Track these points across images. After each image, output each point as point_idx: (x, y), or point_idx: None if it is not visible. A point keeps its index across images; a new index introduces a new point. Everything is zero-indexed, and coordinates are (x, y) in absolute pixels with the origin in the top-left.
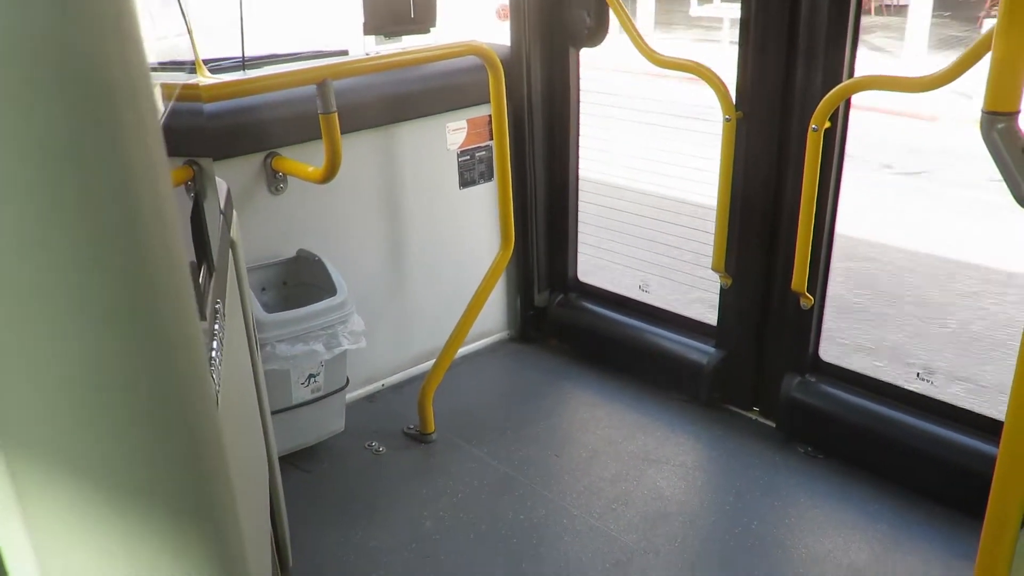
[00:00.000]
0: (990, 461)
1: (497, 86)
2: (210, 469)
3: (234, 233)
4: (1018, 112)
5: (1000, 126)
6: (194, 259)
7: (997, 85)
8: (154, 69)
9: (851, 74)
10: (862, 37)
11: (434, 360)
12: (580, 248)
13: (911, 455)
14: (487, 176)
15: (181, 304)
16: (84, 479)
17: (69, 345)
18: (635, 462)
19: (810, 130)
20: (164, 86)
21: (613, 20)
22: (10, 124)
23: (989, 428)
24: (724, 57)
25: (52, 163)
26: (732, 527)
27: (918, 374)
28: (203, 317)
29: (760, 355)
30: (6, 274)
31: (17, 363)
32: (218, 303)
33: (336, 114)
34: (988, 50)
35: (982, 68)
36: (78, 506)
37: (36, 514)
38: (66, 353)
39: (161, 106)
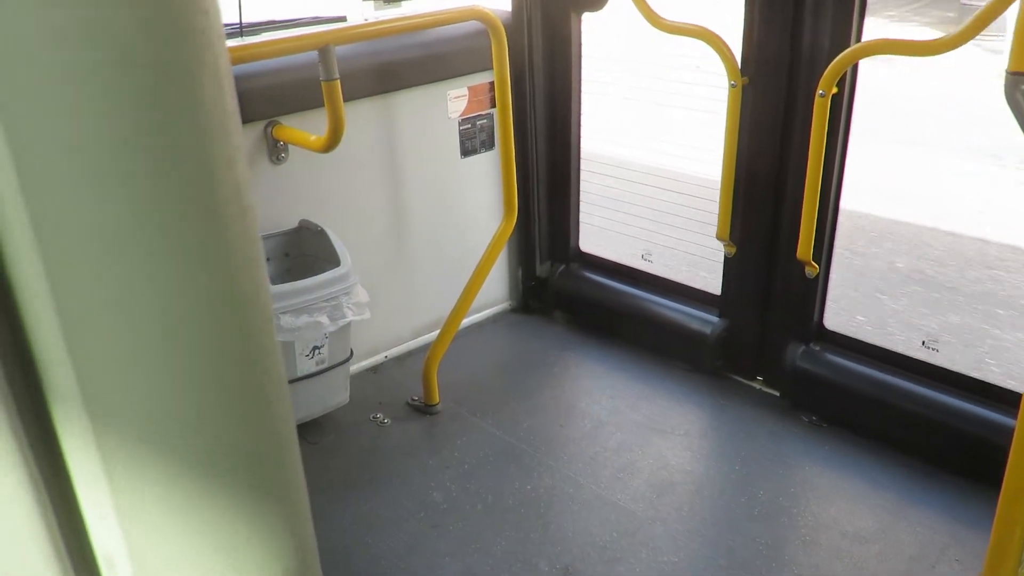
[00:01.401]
0: (995, 428)
1: (500, 51)
2: (285, 439)
3: None
4: None
5: None
6: None
7: (1022, 45)
8: None
9: (859, 38)
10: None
11: (437, 331)
12: (582, 218)
13: (916, 423)
14: (488, 145)
15: (255, 272)
16: (168, 452)
17: (153, 317)
18: (640, 431)
19: (817, 96)
20: None
21: None
22: (98, 92)
23: (995, 396)
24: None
25: (135, 131)
26: (738, 496)
27: (923, 342)
28: None
29: (764, 324)
30: (91, 256)
31: (106, 340)
32: None
33: (339, 81)
34: (1002, 9)
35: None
36: (163, 479)
37: (122, 488)
38: (149, 326)
39: None
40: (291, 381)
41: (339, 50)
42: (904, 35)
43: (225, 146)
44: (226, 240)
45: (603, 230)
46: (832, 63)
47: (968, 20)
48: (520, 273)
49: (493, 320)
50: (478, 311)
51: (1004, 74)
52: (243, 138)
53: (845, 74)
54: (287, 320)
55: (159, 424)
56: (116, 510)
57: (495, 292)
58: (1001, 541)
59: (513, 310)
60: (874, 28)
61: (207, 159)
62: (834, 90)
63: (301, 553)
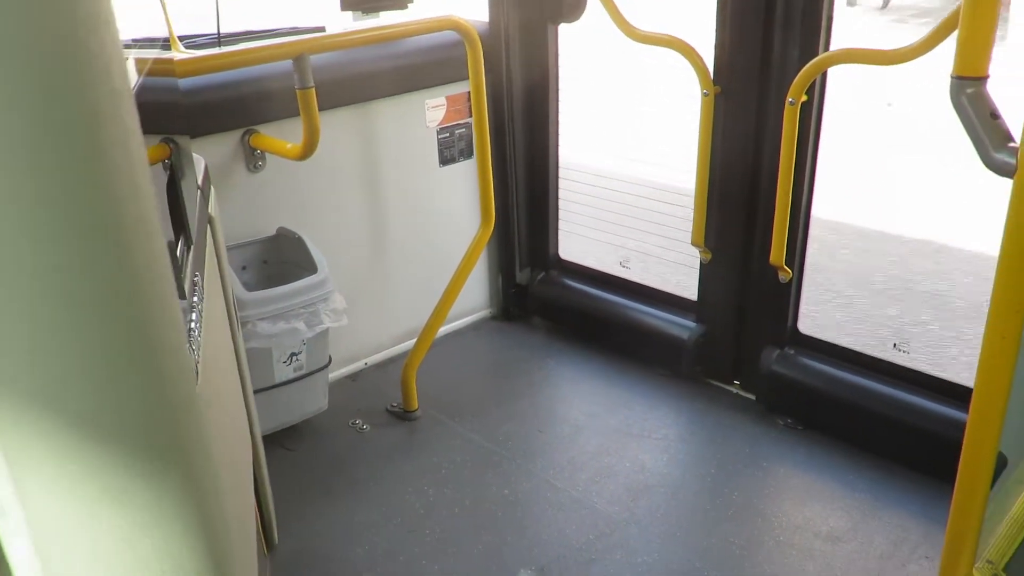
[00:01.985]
0: (964, 428)
1: (476, 62)
2: (181, 402)
3: (212, 210)
4: (987, 77)
5: (969, 91)
6: (171, 234)
7: (965, 49)
8: (127, 45)
9: (827, 47)
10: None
11: (416, 338)
12: (561, 225)
13: (888, 424)
14: (467, 153)
15: (151, 242)
16: (58, 408)
17: (46, 313)
18: (618, 436)
19: (787, 104)
20: (138, 61)
21: None
22: None
23: (963, 396)
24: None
25: (25, 140)
26: (713, 498)
27: (894, 344)
28: (181, 290)
29: (740, 329)
30: None
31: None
32: (196, 276)
33: (314, 89)
34: None
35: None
36: (53, 435)
37: (13, 442)
38: (41, 318)
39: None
40: (269, 387)
41: (318, 60)
42: None
43: (126, 167)
44: (118, 202)
45: (582, 237)
46: (801, 72)
47: (931, 29)
48: (500, 280)
49: (474, 327)
50: (459, 318)
51: (949, 78)
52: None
53: (815, 82)
54: (264, 327)
55: (47, 381)
56: (6, 460)
57: (476, 299)
58: (956, 538)
59: (493, 317)
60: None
61: (108, 178)
62: (804, 98)
63: (204, 512)
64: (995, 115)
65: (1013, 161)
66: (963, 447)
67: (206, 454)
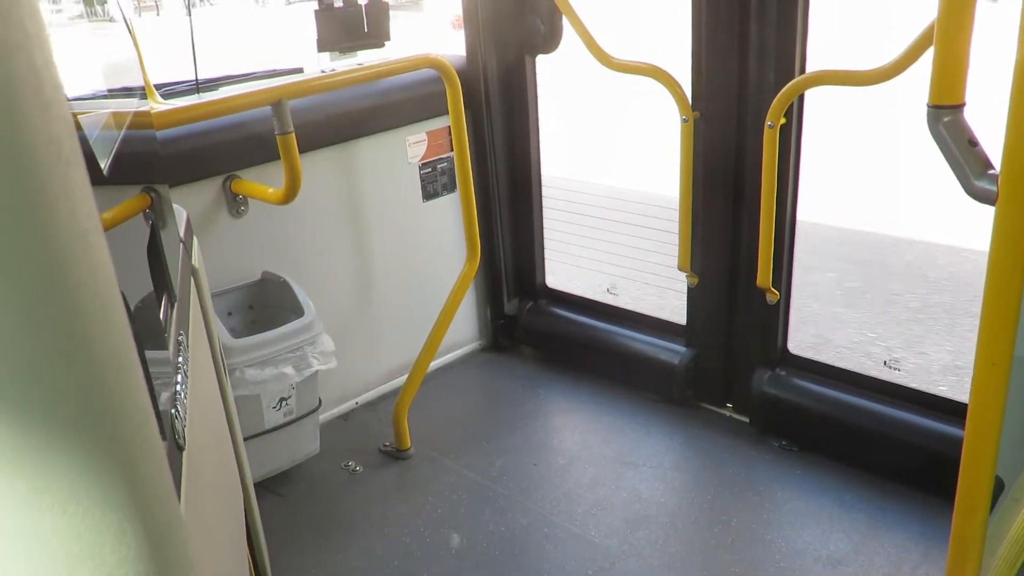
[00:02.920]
0: (960, 444)
1: (455, 97)
2: (106, 367)
3: (196, 260)
4: (963, 104)
5: (946, 119)
6: (153, 290)
7: (941, 78)
8: (103, 96)
9: (803, 70)
10: None
11: (407, 375)
12: (547, 255)
13: (883, 443)
14: (450, 187)
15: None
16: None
17: None
18: (612, 466)
19: (766, 127)
20: (114, 115)
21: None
22: None
23: (958, 412)
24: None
25: None
26: (711, 525)
27: (885, 362)
28: (164, 349)
29: (730, 351)
30: None
31: None
32: (181, 335)
33: (294, 134)
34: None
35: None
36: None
37: None
38: None
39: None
40: (259, 434)
41: (296, 102)
42: None
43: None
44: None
45: (568, 265)
46: (778, 95)
47: (903, 50)
48: (488, 312)
49: (463, 360)
50: (448, 351)
51: (925, 107)
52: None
53: (792, 105)
54: (252, 373)
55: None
56: None
57: (465, 332)
58: (957, 565)
59: (483, 349)
60: None
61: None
62: (782, 120)
63: (136, 490)
64: (973, 142)
65: (994, 188)
66: (960, 474)
67: (131, 424)
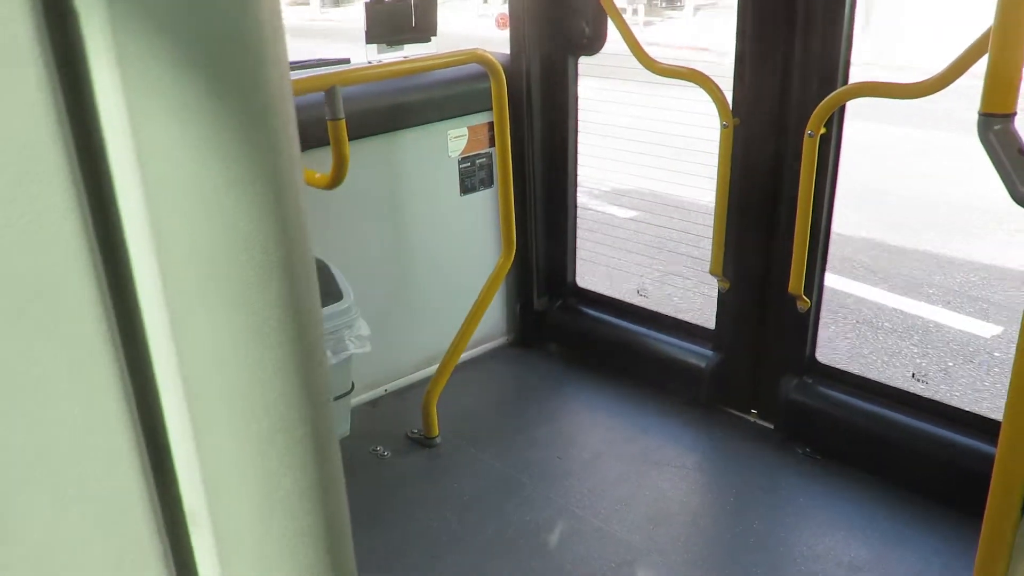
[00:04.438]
0: (985, 459)
1: (499, 93)
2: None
3: None
4: (1014, 114)
5: (997, 127)
6: None
7: (993, 87)
8: None
9: (845, 81)
10: None
11: (437, 365)
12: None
13: (908, 455)
14: (487, 183)
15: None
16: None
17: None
18: (637, 464)
19: (806, 136)
20: None
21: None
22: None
23: (983, 427)
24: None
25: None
26: (733, 526)
27: (912, 374)
28: None
29: (758, 358)
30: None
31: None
32: None
33: (344, 120)
34: (983, 53)
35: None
36: (236, 451)
37: (209, 455)
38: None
39: None
40: None
41: (344, 91)
42: None
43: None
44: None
45: (599, 266)
46: (820, 104)
47: (950, 63)
48: (518, 308)
49: (492, 354)
50: (477, 345)
51: (977, 115)
52: None
53: (833, 115)
54: None
55: (241, 406)
56: (200, 465)
57: (494, 327)
58: (987, 559)
59: (511, 344)
60: None
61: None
62: (822, 130)
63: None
64: (1023, 151)
65: None
66: (992, 478)
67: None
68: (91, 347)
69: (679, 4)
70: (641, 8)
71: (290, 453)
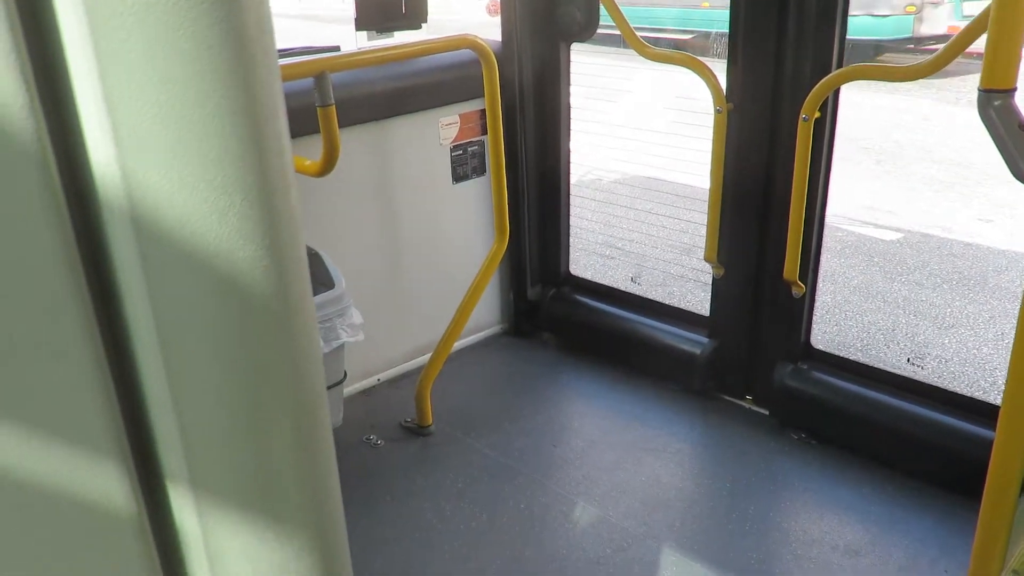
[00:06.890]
0: (980, 443)
1: (491, 79)
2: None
3: None
4: (1014, 89)
5: (997, 103)
6: None
7: (993, 63)
8: None
9: (840, 64)
10: None
11: (430, 354)
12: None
13: (903, 439)
14: (480, 171)
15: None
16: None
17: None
18: (632, 451)
19: (800, 120)
20: None
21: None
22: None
23: (978, 410)
24: None
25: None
26: (729, 512)
27: (908, 359)
28: None
29: (753, 344)
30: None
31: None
32: None
33: (334, 107)
34: (976, 36)
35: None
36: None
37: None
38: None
39: None
40: None
41: (334, 78)
42: None
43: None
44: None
45: (592, 254)
46: (814, 89)
47: (944, 46)
48: (512, 296)
49: (485, 343)
50: (471, 334)
51: (977, 91)
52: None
53: (827, 99)
54: None
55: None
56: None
57: (487, 315)
58: (984, 549)
59: (505, 333)
60: None
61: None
62: (817, 114)
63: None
64: (1023, 126)
65: None
66: (991, 458)
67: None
68: (74, 332)
69: None
70: None
71: (283, 442)
